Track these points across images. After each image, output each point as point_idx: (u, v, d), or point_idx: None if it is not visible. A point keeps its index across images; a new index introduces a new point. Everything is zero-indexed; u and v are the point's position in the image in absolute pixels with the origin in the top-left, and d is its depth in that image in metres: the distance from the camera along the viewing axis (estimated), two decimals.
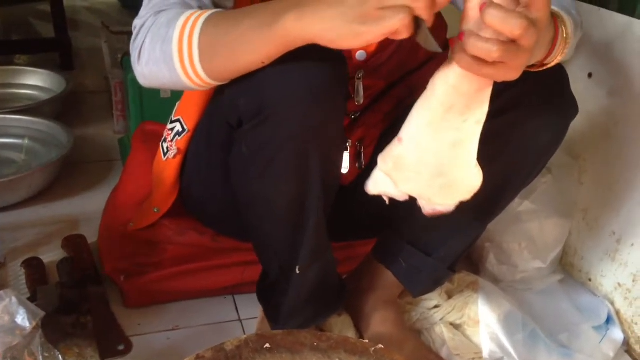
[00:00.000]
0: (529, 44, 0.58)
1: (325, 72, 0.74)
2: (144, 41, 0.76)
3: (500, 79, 0.61)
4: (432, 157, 0.70)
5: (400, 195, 0.75)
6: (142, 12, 0.79)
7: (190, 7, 0.77)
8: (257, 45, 0.68)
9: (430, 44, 0.62)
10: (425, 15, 0.60)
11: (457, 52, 0.59)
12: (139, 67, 0.78)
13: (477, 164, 0.72)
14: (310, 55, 0.67)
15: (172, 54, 0.73)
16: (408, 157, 0.71)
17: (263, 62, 0.70)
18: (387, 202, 0.78)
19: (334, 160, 0.85)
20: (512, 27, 0.56)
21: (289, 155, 0.78)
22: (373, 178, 0.75)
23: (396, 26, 0.59)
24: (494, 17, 0.56)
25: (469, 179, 0.73)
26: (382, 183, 0.75)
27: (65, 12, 2.30)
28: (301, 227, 0.86)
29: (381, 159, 0.73)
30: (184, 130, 1.00)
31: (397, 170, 0.72)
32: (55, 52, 2.35)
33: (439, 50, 0.63)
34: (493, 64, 0.58)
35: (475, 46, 0.57)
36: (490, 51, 0.57)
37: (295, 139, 0.76)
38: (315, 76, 0.73)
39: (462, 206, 0.95)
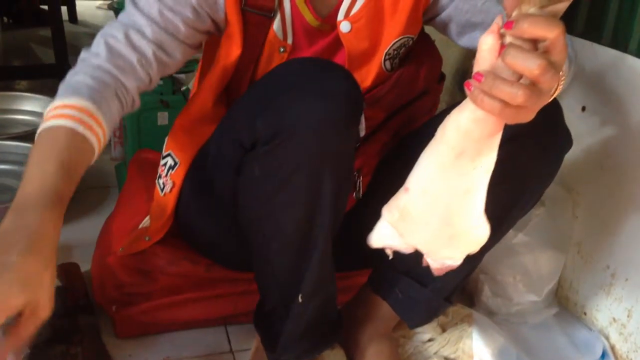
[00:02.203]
0: (549, 87, 0.57)
1: (344, 99, 0.75)
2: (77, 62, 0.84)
3: (518, 121, 0.61)
4: (440, 206, 0.67)
5: (406, 248, 0.72)
6: (88, 47, 0.86)
7: (128, 54, 0.84)
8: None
9: None
10: None
11: (477, 94, 0.58)
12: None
13: (484, 214, 0.71)
14: (329, 82, 0.67)
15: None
16: (415, 206, 0.68)
17: None
18: (391, 255, 0.75)
19: (345, 189, 0.85)
20: (532, 66, 0.55)
21: (302, 179, 0.78)
22: (377, 230, 0.72)
23: None
24: (514, 57, 0.56)
25: (476, 230, 0.70)
26: (386, 235, 0.72)
27: (66, 38, 2.31)
28: (307, 254, 0.85)
29: (386, 209, 0.70)
30: (176, 163, 1.01)
31: (403, 220, 0.69)
32: (55, 78, 2.36)
33: None
34: (516, 106, 0.58)
35: (501, 89, 0.56)
36: (516, 95, 0.56)
37: (309, 164, 0.77)
38: (334, 102, 0.74)
39: None
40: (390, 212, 0.70)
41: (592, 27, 1.22)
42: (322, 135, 0.74)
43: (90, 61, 0.84)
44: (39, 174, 0.70)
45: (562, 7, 0.56)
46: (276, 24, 0.91)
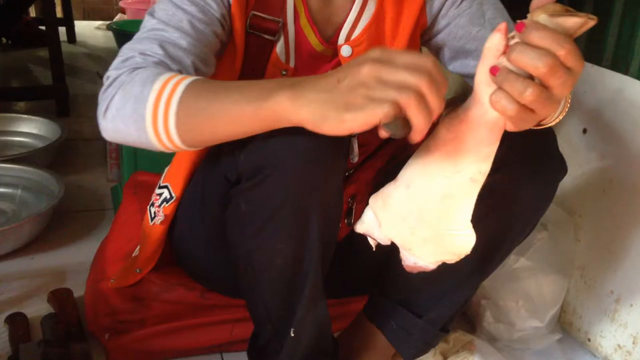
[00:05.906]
0: (561, 92, 0.55)
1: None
2: (114, 95, 0.73)
3: (519, 126, 0.60)
4: (419, 204, 0.67)
5: (384, 239, 0.73)
6: (118, 63, 0.77)
7: (170, 69, 0.75)
8: (242, 119, 0.66)
9: (394, 133, 0.59)
10: (415, 110, 0.56)
11: (483, 85, 0.58)
12: (104, 121, 0.75)
13: (471, 228, 0.69)
14: None
15: (145, 114, 0.70)
16: (397, 198, 0.69)
17: (244, 135, 0.69)
18: (374, 247, 0.76)
19: (333, 221, 0.83)
20: (538, 63, 0.53)
21: (288, 214, 0.76)
22: (362, 216, 0.74)
23: (379, 118, 0.57)
24: (520, 53, 0.54)
25: (455, 240, 0.70)
26: (368, 222, 0.74)
27: (63, 59, 2.31)
28: (297, 288, 0.83)
29: (373, 196, 0.72)
30: (171, 197, 0.99)
31: (384, 210, 0.70)
32: (52, 99, 2.36)
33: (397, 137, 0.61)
34: (522, 106, 0.56)
35: (511, 83, 0.55)
36: (525, 90, 0.54)
37: (295, 199, 0.74)
38: (317, 136, 0.72)
39: (453, 267, 0.93)
40: (375, 199, 0.72)
41: (592, 49, 1.21)
42: (306, 170, 0.72)
43: (138, 67, 0.75)
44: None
45: (574, 21, 0.55)
46: (279, 47, 0.89)
